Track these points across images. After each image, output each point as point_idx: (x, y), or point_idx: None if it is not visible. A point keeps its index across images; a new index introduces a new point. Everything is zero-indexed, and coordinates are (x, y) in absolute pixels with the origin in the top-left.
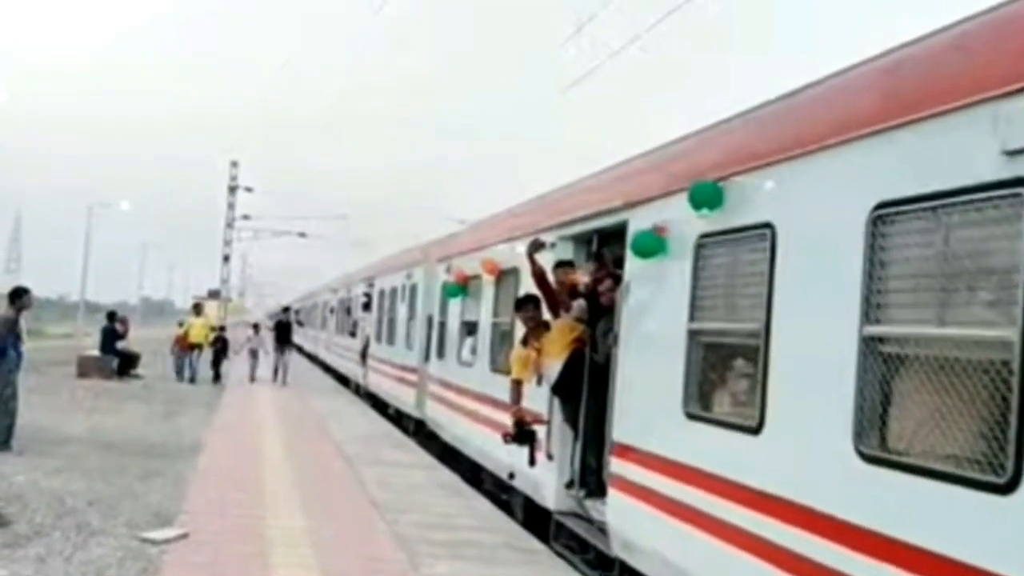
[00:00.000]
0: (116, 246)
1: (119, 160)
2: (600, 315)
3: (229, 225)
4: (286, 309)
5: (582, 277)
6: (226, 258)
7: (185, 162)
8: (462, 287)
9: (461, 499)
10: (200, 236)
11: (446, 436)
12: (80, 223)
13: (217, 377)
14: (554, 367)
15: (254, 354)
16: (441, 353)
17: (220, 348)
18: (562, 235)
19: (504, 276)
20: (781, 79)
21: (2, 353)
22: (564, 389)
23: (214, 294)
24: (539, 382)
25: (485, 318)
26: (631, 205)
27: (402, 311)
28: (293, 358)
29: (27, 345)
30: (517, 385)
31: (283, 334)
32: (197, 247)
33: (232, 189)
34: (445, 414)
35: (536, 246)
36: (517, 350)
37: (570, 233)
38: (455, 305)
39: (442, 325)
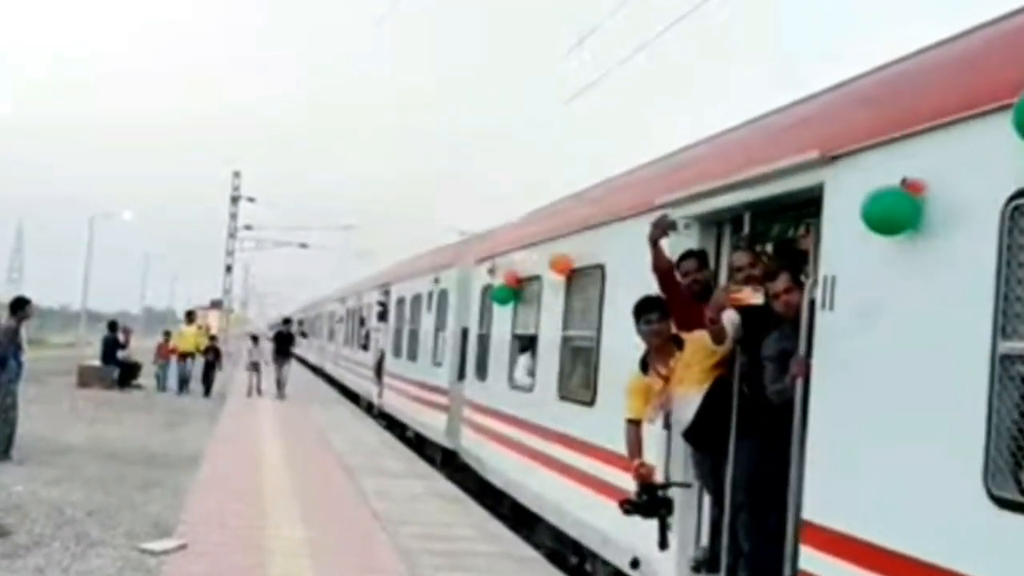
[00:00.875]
0: (119, 256)
1: (122, 170)
2: (761, 329)
3: (231, 235)
4: (287, 320)
5: (751, 294)
6: (228, 268)
7: (188, 172)
8: (514, 292)
9: (460, 509)
10: (203, 246)
11: (495, 479)
12: (83, 233)
13: (208, 390)
14: (689, 403)
15: (255, 367)
16: (482, 373)
17: (212, 359)
18: (685, 215)
19: (581, 276)
20: (784, 85)
21: (3, 363)
22: (701, 435)
23: (216, 304)
24: (666, 424)
25: (550, 330)
26: (832, 157)
27: (428, 321)
28: (294, 369)
29: (28, 355)
30: (635, 429)
31: (283, 346)
32: (200, 257)
33: (234, 199)
34: (491, 450)
35: (663, 228)
36: (635, 378)
37: (699, 212)
38: (503, 314)
39: (484, 339)
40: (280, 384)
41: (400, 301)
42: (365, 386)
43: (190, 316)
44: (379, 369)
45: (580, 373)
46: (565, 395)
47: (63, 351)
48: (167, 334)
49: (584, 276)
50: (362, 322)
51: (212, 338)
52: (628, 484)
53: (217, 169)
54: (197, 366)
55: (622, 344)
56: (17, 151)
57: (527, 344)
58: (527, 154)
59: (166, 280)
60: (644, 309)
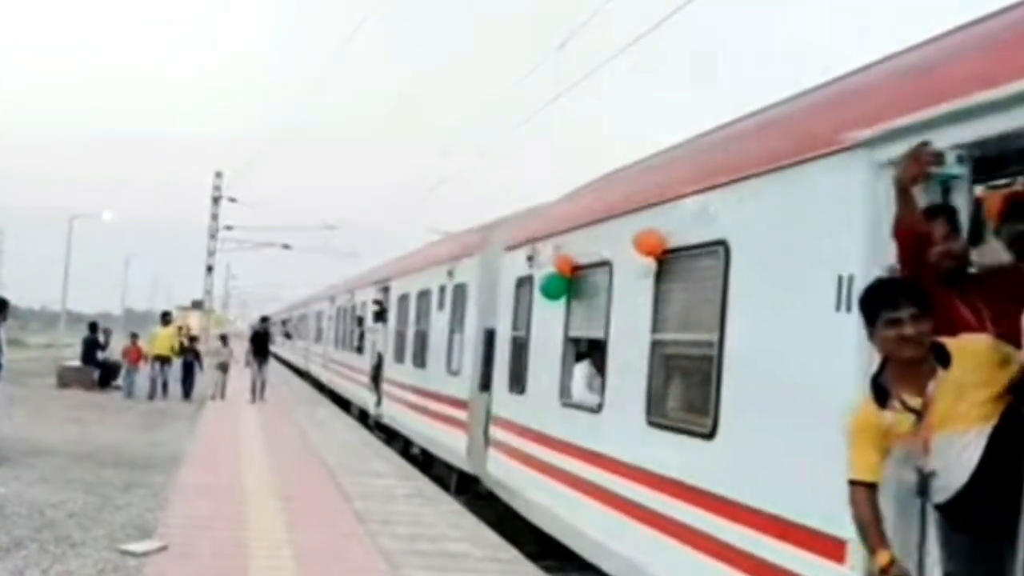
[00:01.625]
0: (100, 257)
1: (103, 171)
2: None
3: (212, 236)
4: (264, 319)
5: None
6: (209, 269)
7: (169, 173)
8: (568, 283)
9: (444, 510)
10: (184, 248)
11: (541, 520)
12: (63, 233)
13: (188, 393)
14: (963, 451)
15: (223, 368)
16: (519, 384)
17: (191, 360)
18: (955, 143)
19: (684, 259)
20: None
21: None
22: (980, 506)
23: (197, 305)
24: (921, 486)
25: (630, 333)
26: None
27: (439, 322)
28: (274, 368)
29: (8, 355)
30: (868, 496)
31: (260, 346)
32: (181, 259)
33: (216, 200)
34: (535, 483)
35: (925, 162)
36: (862, 413)
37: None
38: (551, 312)
39: (520, 343)
40: (257, 387)
41: (403, 299)
42: (359, 393)
43: (165, 317)
44: (376, 375)
45: (686, 392)
46: (660, 421)
47: (42, 352)
48: (134, 336)
49: (690, 259)
50: (360, 322)
51: (192, 339)
52: (785, 558)
53: (198, 169)
54: (175, 369)
55: (764, 353)
56: None
57: (589, 350)
58: (510, 157)
59: (147, 281)
60: (888, 300)
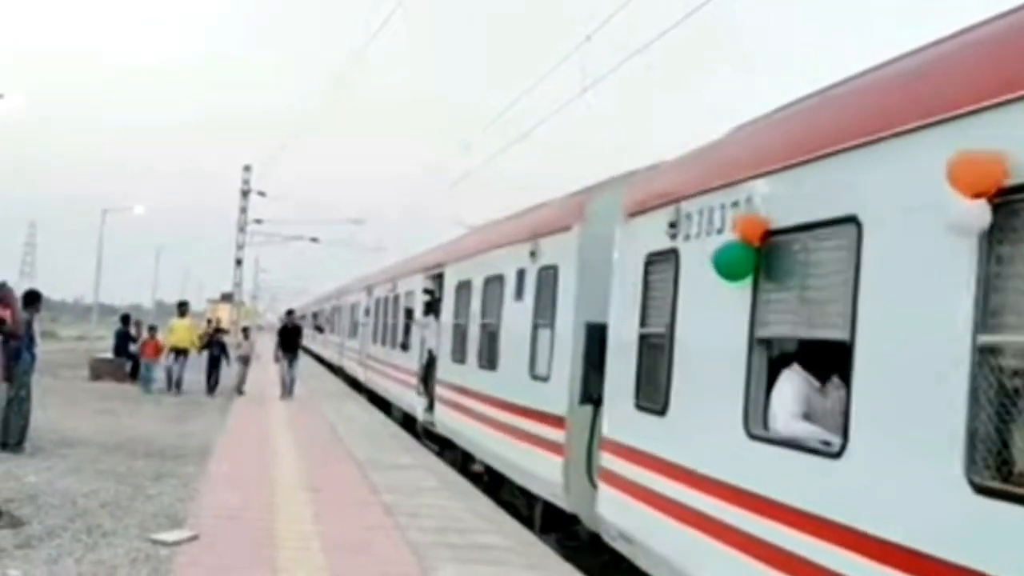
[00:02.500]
0: (132, 249)
1: (134, 165)
2: None
3: (241, 229)
4: (290, 312)
5: None
6: (239, 262)
7: (202, 166)
8: (760, 255)
9: (471, 503)
10: (215, 239)
11: None
12: (95, 226)
13: (212, 388)
14: None
15: (244, 361)
16: (655, 401)
17: (217, 354)
18: None
19: None
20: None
21: (16, 355)
22: None
23: (227, 297)
24: None
25: (915, 332)
26: None
27: (517, 314)
28: (305, 364)
29: (41, 347)
30: None
31: (290, 341)
32: (211, 251)
33: (244, 193)
34: (699, 550)
35: None
36: None
37: None
38: (717, 299)
39: (653, 341)
40: (287, 384)
41: (462, 287)
42: (404, 396)
43: (182, 308)
44: (427, 376)
45: None
46: (996, 484)
47: (75, 344)
48: (152, 329)
49: None
50: (408, 314)
51: (219, 330)
52: None
53: (231, 163)
54: (192, 362)
55: None
56: (30, 146)
57: (808, 357)
58: (536, 149)
59: (178, 274)
60: None
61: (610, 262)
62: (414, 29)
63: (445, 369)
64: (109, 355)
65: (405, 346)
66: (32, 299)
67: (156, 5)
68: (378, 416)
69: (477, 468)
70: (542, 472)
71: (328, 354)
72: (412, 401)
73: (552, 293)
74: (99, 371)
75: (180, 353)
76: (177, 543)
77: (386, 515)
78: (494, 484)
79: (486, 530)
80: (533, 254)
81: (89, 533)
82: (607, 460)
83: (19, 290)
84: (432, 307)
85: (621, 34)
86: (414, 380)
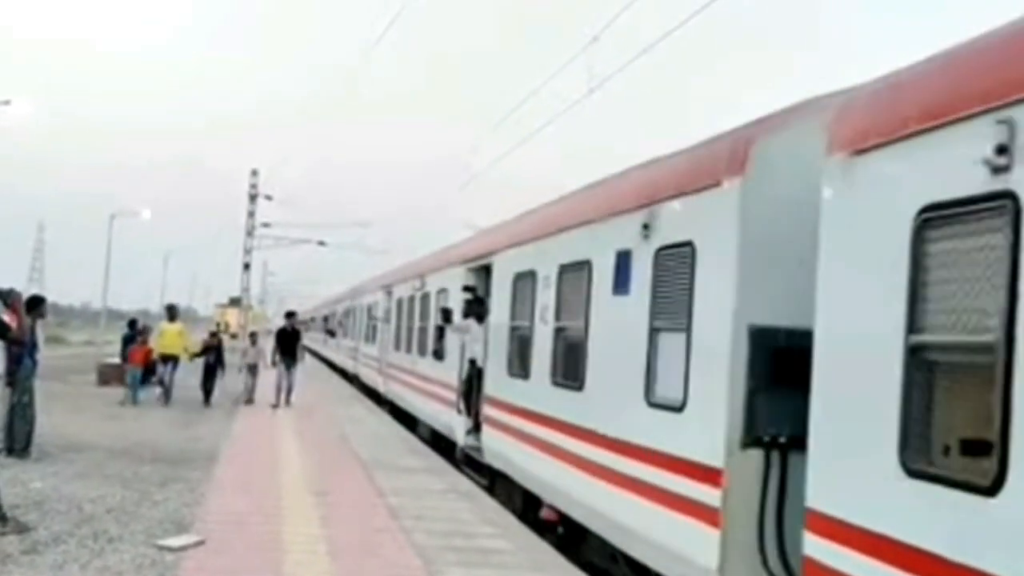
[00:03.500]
0: (139, 253)
1: (142, 167)
2: None
3: (249, 233)
4: (290, 314)
5: None
6: (246, 266)
7: (209, 170)
8: None
9: (477, 505)
10: (223, 243)
11: None
12: (103, 230)
13: (207, 397)
14: None
15: (252, 370)
16: (991, 467)
17: (213, 361)
18: None
19: None
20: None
21: (19, 361)
22: None
23: (235, 302)
24: None
25: None
26: None
27: (617, 313)
28: (315, 369)
29: (49, 352)
30: None
31: (288, 346)
32: (220, 254)
33: (252, 197)
34: None
35: None
36: None
37: None
38: None
39: (943, 358)
40: (282, 390)
41: (521, 280)
42: (438, 414)
43: (171, 311)
44: (469, 391)
45: None
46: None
47: (83, 349)
48: (142, 332)
49: None
50: (446, 316)
51: (214, 335)
52: None
53: (238, 167)
54: (182, 370)
55: None
56: (36, 150)
57: None
58: (545, 150)
59: (186, 278)
60: None
61: (788, 234)
62: (420, 31)
63: (497, 384)
64: (117, 360)
65: (439, 354)
66: (35, 304)
67: (157, 6)
68: (384, 418)
69: (548, 515)
70: (672, 546)
71: (341, 360)
72: (449, 421)
73: (685, 283)
74: (107, 376)
75: (168, 360)
76: (183, 548)
77: (392, 518)
78: (572, 535)
79: (492, 534)
80: (647, 228)
81: (95, 539)
82: (819, 546)
83: (28, 295)
84: (474, 308)
85: (629, 34)
86: (450, 395)
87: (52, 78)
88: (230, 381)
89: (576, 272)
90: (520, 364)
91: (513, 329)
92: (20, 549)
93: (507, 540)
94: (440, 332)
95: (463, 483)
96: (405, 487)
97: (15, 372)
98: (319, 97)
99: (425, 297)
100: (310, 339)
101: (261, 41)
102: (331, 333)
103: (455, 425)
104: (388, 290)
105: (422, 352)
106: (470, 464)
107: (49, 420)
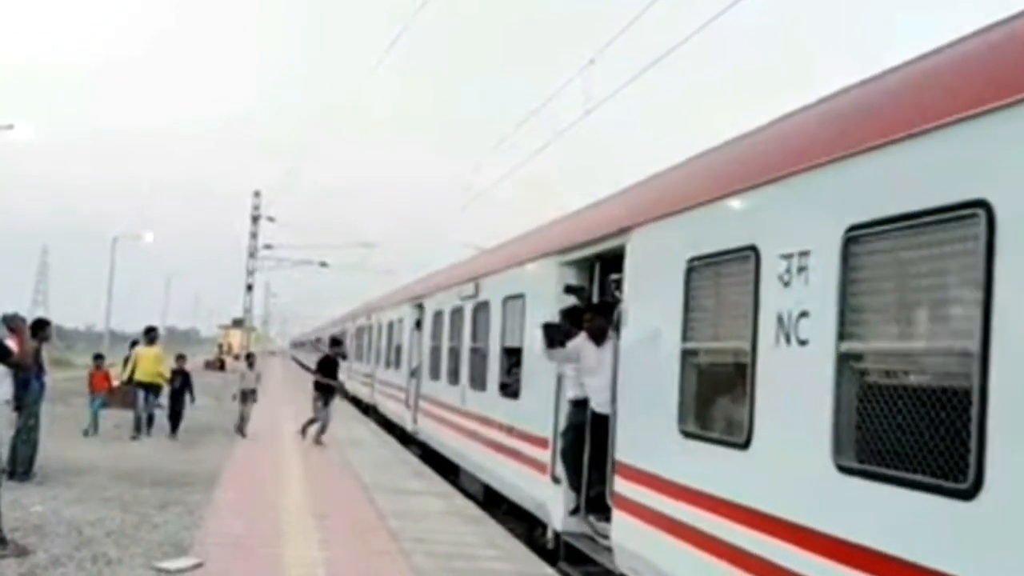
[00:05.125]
0: (142, 275)
1: (144, 190)
2: None
3: (252, 255)
4: (336, 342)
5: None
6: (249, 287)
7: (212, 192)
8: None
9: (478, 528)
10: (225, 265)
11: None
12: (105, 253)
13: (174, 428)
14: None
15: (246, 397)
16: None
17: (180, 387)
18: None
19: None
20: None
21: (25, 384)
22: None
23: (238, 323)
24: None
25: None
26: None
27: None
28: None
29: (57, 374)
30: None
31: (327, 374)
32: (221, 277)
33: (255, 219)
34: None
35: None
36: None
37: None
38: None
39: None
40: (319, 426)
41: (713, 267)
42: (516, 478)
43: (149, 334)
44: (571, 453)
45: None
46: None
47: (87, 371)
48: (98, 358)
49: None
50: (555, 336)
51: (180, 357)
52: None
53: (238, 189)
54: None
55: None
56: (39, 173)
57: None
58: (534, 169)
59: (190, 299)
60: None
61: None
62: (422, 52)
63: (647, 447)
64: (118, 382)
65: (510, 390)
66: (40, 327)
67: (160, 7)
68: (385, 438)
69: None
70: None
71: (353, 387)
72: (538, 492)
73: None
74: (110, 398)
75: (148, 389)
76: (181, 571)
77: (392, 540)
78: None
79: (493, 556)
80: None
81: (94, 562)
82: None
83: (32, 318)
84: (591, 320)
85: (624, 57)
86: (534, 452)
87: (51, 100)
88: (202, 411)
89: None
90: (720, 419)
91: (696, 354)
92: (19, 572)
93: (508, 562)
94: (512, 359)
95: (464, 504)
96: (406, 508)
97: (22, 397)
98: (321, 119)
99: (481, 309)
100: (312, 361)
101: (264, 60)
102: (342, 356)
103: (547, 499)
104: (418, 302)
105: (477, 384)
106: (569, 556)
107: (51, 443)
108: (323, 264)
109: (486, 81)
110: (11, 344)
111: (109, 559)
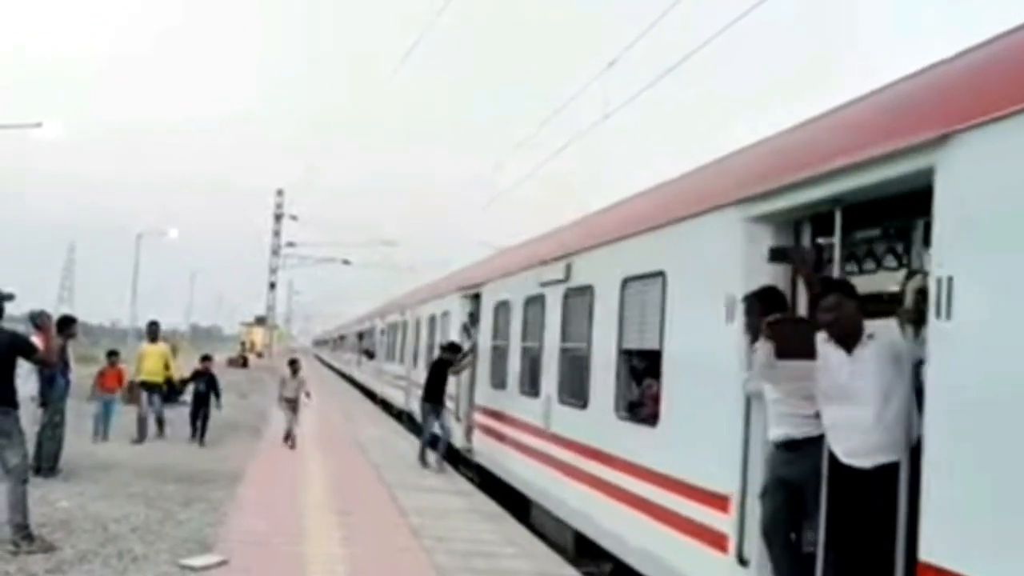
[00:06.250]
0: (166, 271)
1: (169, 187)
2: None
3: (275, 253)
4: (453, 347)
5: None
6: (272, 285)
7: (236, 189)
8: None
9: (499, 526)
10: (247, 262)
11: None
12: (130, 250)
13: (196, 432)
14: None
15: (292, 405)
16: None
17: (206, 390)
18: None
19: None
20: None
21: (51, 381)
22: None
23: (261, 321)
24: None
25: None
26: None
27: None
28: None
29: (82, 371)
30: None
31: (436, 383)
32: (245, 274)
33: (278, 217)
34: None
35: None
36: None
37: None
38: None
39: None
40: (442, 446)
41: None
42: (670, 555)
43: (152, 329)
44: (793, 516)
45: None
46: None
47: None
48: (112, 355)
49: None
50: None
51: (205, 358)
52: None
53: (259, 186)
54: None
55: None
56: (63, 170)
57: None
58: (553, 168)
59: (213, 296)
60: None
61: None
62: (445, 52)
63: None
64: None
65: (642, 414)
66: (66, 324)
67: (162, 8)
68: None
69: None
70: None
71: (381, 388)
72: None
73: None
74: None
75: (151, 389)
76: (206, 568)
77: (414, 538)
78: None
79: (514, 555)
80: None
81: (120, 558)
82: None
83: (58, 315)
84: (781, 308)
85: (644, 61)
86: (709, 516)
87: (71, 96)
88: (225, 408)
89: None
90: None
91: None
92: (46, 568)
93: (528, 561)
94: (642, 366)
95: (485, 502)
96: (427, 506)
97: (48, 393)
98: (341, 117)
99: (575, 297)
100: (336, 359)
101: (285, 58)
102: (369, 354)
103: None
104: (472, 292)
105: (573, 398)
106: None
107: (77, 439)
108: (346, 262)
109: (505, 83)
110: (37, 341)
111: (135, 555)
